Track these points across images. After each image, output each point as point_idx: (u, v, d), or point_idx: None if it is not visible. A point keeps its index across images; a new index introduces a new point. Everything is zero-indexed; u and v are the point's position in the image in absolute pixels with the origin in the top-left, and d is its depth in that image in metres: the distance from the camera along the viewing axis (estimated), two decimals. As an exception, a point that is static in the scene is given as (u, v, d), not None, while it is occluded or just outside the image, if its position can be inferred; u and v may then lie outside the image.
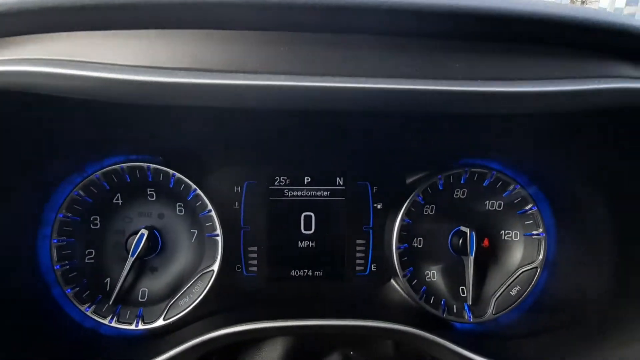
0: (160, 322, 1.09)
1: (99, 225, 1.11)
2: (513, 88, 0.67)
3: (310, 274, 1.18)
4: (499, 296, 1.18)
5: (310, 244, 1.19)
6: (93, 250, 1.11)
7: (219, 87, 0.65)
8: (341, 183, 1.19)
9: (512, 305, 1.18)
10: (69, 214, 1.09)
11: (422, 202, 1.17)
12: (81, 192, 1.10)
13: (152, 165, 1.10)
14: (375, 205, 1.20)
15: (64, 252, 1.08)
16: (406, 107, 0.69)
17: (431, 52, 0.69)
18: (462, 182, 1.18)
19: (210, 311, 1.11)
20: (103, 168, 1.10)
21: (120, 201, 1.12)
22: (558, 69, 0.70)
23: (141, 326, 1.09)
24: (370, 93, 0.67)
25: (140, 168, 1.11)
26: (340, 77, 0.67)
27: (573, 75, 0.71)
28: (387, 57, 0.69)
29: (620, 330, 0.94)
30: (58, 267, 1.07)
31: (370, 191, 1.20)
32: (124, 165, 1.10)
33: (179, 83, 0.65)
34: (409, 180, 1.20)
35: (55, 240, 1.07)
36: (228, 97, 0.66)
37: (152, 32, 0.67)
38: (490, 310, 1.17)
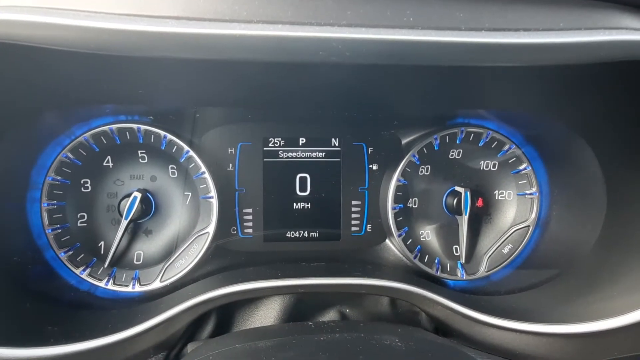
0: (156, 284, 1.09)
1: (90, 189, 1.09)
2: (519, 39, 0.65)
3: (306, 235, 1.19)
4: (491, 254, 1.20)
5: (306, 205, 1.18)
6: (85, 214, 1.09)
7: (212, 38, 0.62)
8: (336, 144, 1.18)
9: (504, 263, 1.21)
10: (59, 177, 1.06)
11: (418, 163, 1.17)
12: (70, 155, 1.06)
13: (143, 126, 1.07)
14: (371, 166, 1.19)
15: (55, 216, 1.06)
16: (407, 59, 0.66)
17: (433, 1, 0.66)
18: (457, 142, 1.18)
19: (207, 272, 1.11)
20: (91, 129, 1.07)
21: (110, 164, 1.10)
22: (562, 20, 0.68)
23: (137, 288, 1.09)
24: (369, 44, 0.64)
25: (130, 129, 1.07)
26: (339, 27, 0.64)
27: (577, 26, 0.69)
28: (388, 6, 0.65)
29: (607, 284, 0.97)
30: (50, 230, 1.05)
31: (365, 152, 1.18)
32: (113, 126, 1.07)
33: (169, 33, 0.61)
34: (404, 141, 1.19)
35: (45, 204, 1.05)
36: (221, 48, 0.63)
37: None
38: (482, 268, 1.20)
